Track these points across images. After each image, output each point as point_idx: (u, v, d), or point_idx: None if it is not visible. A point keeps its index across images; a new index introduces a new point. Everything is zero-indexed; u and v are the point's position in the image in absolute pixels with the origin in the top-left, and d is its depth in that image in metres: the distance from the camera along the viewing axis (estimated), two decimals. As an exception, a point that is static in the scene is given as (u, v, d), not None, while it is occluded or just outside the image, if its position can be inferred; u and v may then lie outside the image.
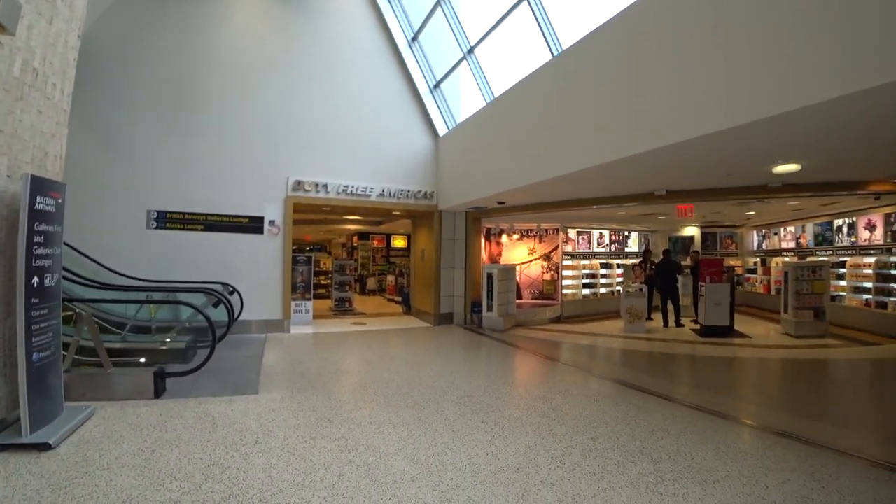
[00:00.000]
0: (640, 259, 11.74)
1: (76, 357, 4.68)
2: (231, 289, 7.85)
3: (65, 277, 4.44)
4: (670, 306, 10.17)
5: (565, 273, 11.98)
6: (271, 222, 8.73)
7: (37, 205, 3.47)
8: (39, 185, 3.51)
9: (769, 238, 13.64)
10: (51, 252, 3.67)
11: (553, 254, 11.88)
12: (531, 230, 12.01)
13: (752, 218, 12.70)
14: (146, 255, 7.80)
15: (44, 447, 3.35)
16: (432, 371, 6.06)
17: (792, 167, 5.44)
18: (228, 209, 8.44)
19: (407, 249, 17.74)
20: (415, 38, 10.13)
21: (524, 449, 3.58)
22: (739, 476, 3.15)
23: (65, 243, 4.09)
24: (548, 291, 11.84)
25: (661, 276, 10.34)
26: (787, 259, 11.93)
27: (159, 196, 8.02)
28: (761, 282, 13.62)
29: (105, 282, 6.31)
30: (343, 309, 12.08)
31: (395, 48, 10.04)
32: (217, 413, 4.24)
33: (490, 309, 9.72)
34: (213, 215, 8.34)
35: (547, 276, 11.92)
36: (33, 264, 3.44)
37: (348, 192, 9.31)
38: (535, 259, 12.03)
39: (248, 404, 4.51)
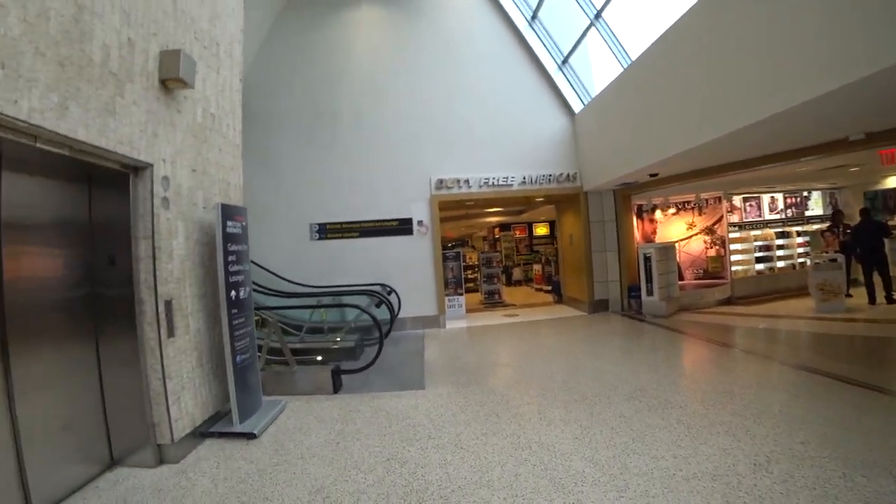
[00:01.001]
0: (830, 223, 9.76)
1: (267, 357, 5.33)
2: (389, 289, 8.35)
3: (253, 289, 5.07)
4: (877, 278, 8.19)
5: (733, 247, 10.44)
6: (419, 222, 9.09)
7: (227, 228, 3.99)
8: (227, 212, 4.03)
9: None
10: (242, 268, 4.20)
11: (717, 226, 10.48)
12: (688, 202, 10.77)
13: None
14: (312, 263, 8.74)
15: (250, 436, 3.86)
16: (596, 363, 5.68)
17: None
18: (379, 214, 9.02)
19: (549, 237, 17.28)
20: (534, 17, 9.69)
21: (718, 452, 3.10)
22: None
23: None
24: (714, 269, 10.48)
25: (860, 242, 8.40)
26: None
27: (319, 210, 8.93)
28: None
29: (282, 290, 7.17)
30: (493, 301, 12.14)
31: (515, 31, 9.73)
32: (389, 408, 4.45)
33: (650, 293, 8.89)
34: (366, 222, 8.98)
35: (711, 253, 10.58)
36: (230, 280, 3.97)
37: (490, 184, 9.27)
38: (696, 234, 10.77)
39: (416, 399, 4.66)
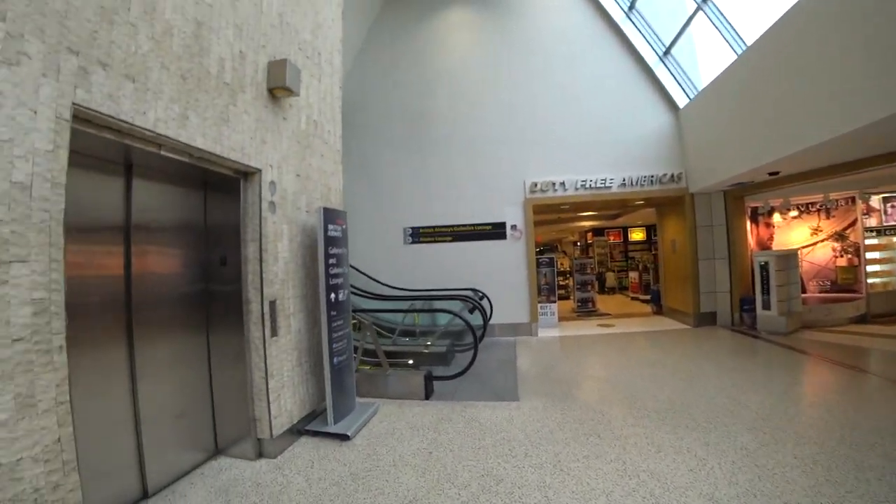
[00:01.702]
0: None
1: (361, 359, 5.40)
2: (481, 294, 8.22)
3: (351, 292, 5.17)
4: None
5: (870, 256, 9.01)
6: (513, 227, 8.90)
7: (328, 232, 4.09)
8: (329, 216, 4.13)
9: None
10: (341, 271, 4.28)
11: (849, 231, 9.13)
12: (813, 203, 9.48)
13: None
14: (405, 267, 8.89)
15: (344, 437, 3.89)
16: (706, 383, 5.10)
17: None
18: (472, 218, 8.97)
19: (646, 242, 16.25)
20: (632, 7, 9.09)
21: (870, 505, 2.56)
22: None
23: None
24: (844, 282, 9.10)
25: None
26: None
27: (412, 214, 9.08)
28: None
29: (376, 293, 7.30)
30: (586, 310, 11.57)
31: (611, 24, 9.20)
32: (483, 419, 4.28)
33: (766, 306, 7.94)
34: (458, 226, 8.97)
35: (841, 262, 9.22)
36: (330, 282, 4.05)
37: (586, 186, 8.85)
38: (823, 240, 9.45)
39: (510, 412, 4.45)
